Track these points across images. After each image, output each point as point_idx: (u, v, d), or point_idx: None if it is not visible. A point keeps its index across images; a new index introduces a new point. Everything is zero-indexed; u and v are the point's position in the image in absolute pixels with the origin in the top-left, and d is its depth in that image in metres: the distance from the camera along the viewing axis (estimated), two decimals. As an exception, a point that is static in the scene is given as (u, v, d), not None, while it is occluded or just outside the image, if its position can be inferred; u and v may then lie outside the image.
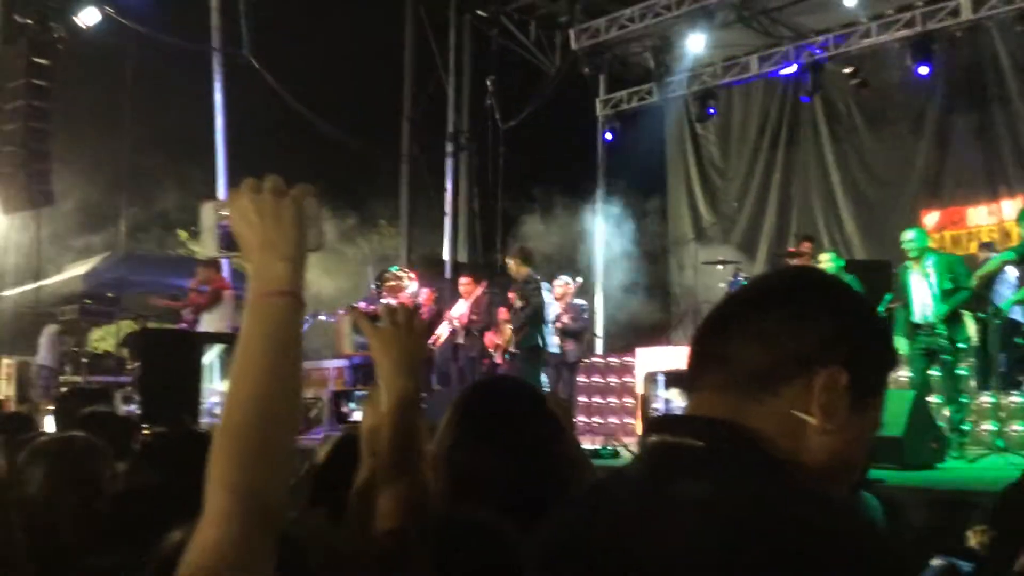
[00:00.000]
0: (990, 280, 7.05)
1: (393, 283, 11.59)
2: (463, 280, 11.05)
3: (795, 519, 0.91)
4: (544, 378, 9.37)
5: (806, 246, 10.16)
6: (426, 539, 1.47)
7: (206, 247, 1.27)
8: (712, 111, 14.20)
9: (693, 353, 1.12)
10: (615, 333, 14.74)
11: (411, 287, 11.26)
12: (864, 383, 1.04)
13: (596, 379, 12.10)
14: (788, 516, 0.92)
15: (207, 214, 1.26)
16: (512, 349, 9.53)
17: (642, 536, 0.97)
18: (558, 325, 9.75)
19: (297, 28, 14.68)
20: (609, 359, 12.34)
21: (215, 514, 1.06)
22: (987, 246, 10.11)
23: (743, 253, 13.96)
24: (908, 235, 7.45)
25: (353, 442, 1.75)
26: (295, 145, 15.70)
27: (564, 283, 10.06)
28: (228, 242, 1.24)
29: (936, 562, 2.65)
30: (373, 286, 12.10)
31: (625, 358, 11.83)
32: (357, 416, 1.87)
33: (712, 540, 0.91)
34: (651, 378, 6.77)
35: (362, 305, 12.43)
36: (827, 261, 8.44)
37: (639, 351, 11.06)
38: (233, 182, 12.91)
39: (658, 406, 6.90)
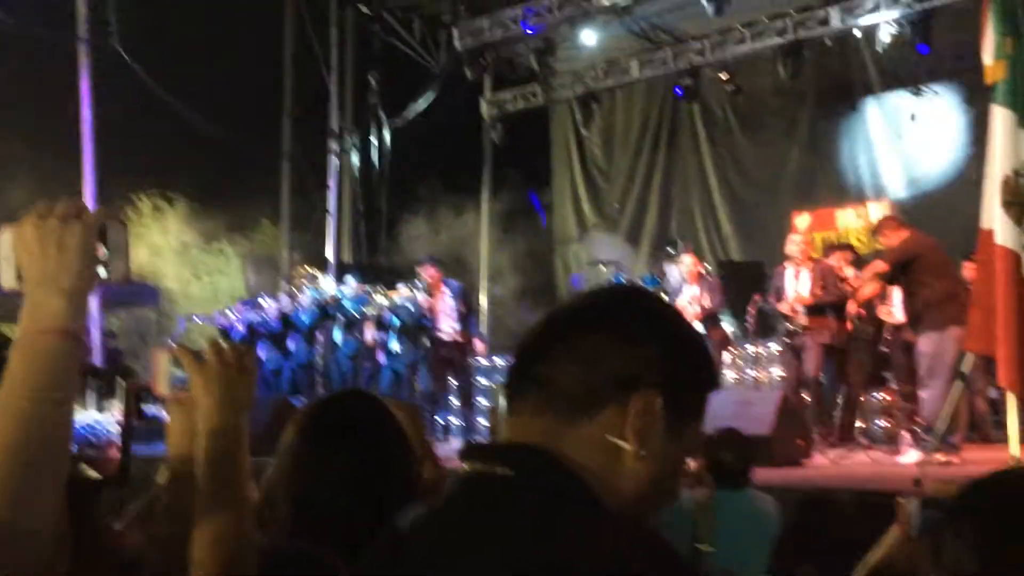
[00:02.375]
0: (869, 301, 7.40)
1: (306, 280, 11.39)
2: (350, 279, 11.03)
3: (590, 555, 0.88)
4: None
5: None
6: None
7: (4, 278, 1.15)
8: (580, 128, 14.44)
9: (511, 374, 1.07)
10: (503, 334, 14.76)
11: (327, 283, 11.07)
12: (680, 408, 1.02)
13: (482, 380, 12.06)
14: (584, 552, 0.88)
15: (4, 242, 1.15)
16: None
17: (443, 573, 0.93)
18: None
19: (170, 18, 14.11)
20: (495, 360, 12.31)
21: None
22: (847, 247, 10.52)
23: (625, 253, 14.19)
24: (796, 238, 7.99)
25: None
26: (169, 141, 15.14)
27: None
28: None
29: None
30: (283, 281, 11.84)
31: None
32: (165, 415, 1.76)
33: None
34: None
35: (239, 307, 12.09)
36: (688, 264, 8.67)
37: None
38: (101, 178, 12.34)
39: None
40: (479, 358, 10.70)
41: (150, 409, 1.75)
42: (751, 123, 14.02)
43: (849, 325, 7.76)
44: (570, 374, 1.00)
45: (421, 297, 9.28)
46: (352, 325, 10.71)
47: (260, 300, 11.81)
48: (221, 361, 1.49)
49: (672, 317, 1.08)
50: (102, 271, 1.16)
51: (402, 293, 10.32)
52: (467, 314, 9.36)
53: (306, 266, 12.83)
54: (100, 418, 1.74)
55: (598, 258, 12.38)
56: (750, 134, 14.09)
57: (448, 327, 9.22)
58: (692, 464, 3.72)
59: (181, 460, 1.57)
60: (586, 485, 0.97)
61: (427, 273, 9.24)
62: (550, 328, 1.06)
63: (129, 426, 1.74)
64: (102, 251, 1.15)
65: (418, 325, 9.50)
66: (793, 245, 7.76)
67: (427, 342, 9.62)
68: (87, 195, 11.63)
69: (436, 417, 9.81)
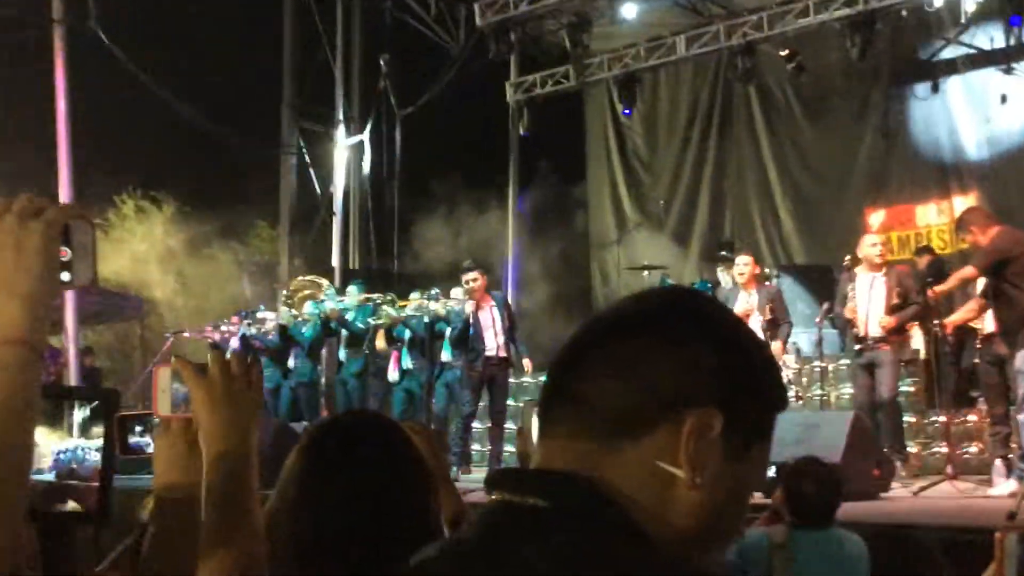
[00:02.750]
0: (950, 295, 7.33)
1: (308, 292, 11.37)
2: (351, 288, 11.07)
3: None
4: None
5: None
6: None
7: None
8: (628, 112, 14.39)
9: (545, 390, 1.07)
10: (533, 350, 14.75)
11: (330, 295, 11.06)
12: (743, 428, 1.00)
13: (510, 403, 12.09)
14: None
15: None
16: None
17: None
18: None
19: (155, -2, 14.34)
20: (523, 381, 12.32)
21: None
22: (926, 250, 10.45)
23: (672, 256, 14.14)
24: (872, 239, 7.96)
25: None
26: (155, 135, 15.31)
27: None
28: None
29: None
30: (283, 295, 11.87)
31: (542, 379, 11.86)
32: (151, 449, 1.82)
33: None
34: (534, 408, 6.67)
35: (234, 320, 12.15)
36: (743, 265, 8.60)
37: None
38: (78, 176, 12.50)
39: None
40: (526, 378, 10.76)
41: (137, 440, 1.77)
42: (816, 106, 13.94)
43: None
44: (610, 389, 0.99)
45: (468, 307, 9.34)
46: (358, 340, 10.74)
47: (256, 312, 11.88)
48: (225, 374, 1.51)
49: (730, 321, 1.06)
50: (65, 275, 1.17)
51: (414, 303, 10.35)
52: (511, 328, 9.44)
53: (308, 275, 12.89)
54: (85, 444, 1.75)
55: (640, 262, 12.34)
56: (815, 119, 14.00)
57: (492, 342, 9.27)
58: (769, 497, 3.69)
59: (169, 490, 1.61)
60: (632, 518, 0.96)
61: (472, 280, 9.28)
62: (587, 336, 1.05)
63: (111, 456, 1.77)
64: (65, 253, 1.16)
65: (460, 337, 9.53)
66: (869, 247, 7.67)
67: (455, 357, 9.69)
68: (63, 196, 11.76)
69: (468, 443, 9.86)
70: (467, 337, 9.38)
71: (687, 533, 0.98)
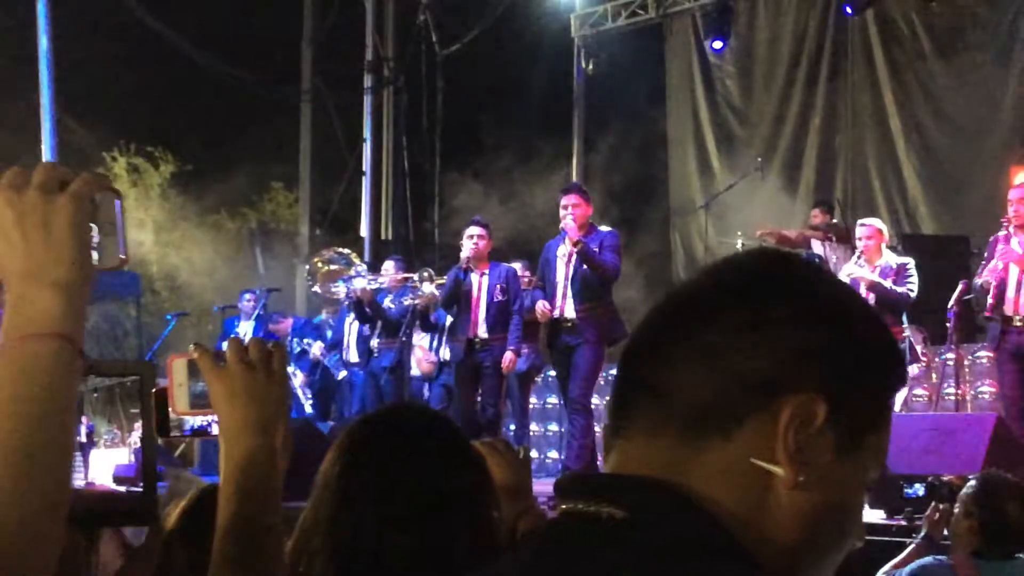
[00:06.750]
0: None
1: (335, 268, 11.32)
2: (388, 265, 11.10)
3: None
4: None
5: (816, 215, 11.04)
6: None
7: None
8: (719, 47, 14.28)
9: (617, 382, 1.09)
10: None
11: (360, 272, 11.00)
12: (854, 414, 1.00)
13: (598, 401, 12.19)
14: None
15: None
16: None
17: None
18: None
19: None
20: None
21: None
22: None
23: (772, 224, 14.04)
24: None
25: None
26: (152, 79, 15.50)
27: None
28: None
29: None
30: (307, 277, 11.93)
31: (614, 372, 11.89)
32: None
33: None
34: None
35: (251, 299, 12.27)
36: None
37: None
38: (62, 128, 12.71)
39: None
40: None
41: (188, 422, 1.82)
42: (950, 41, 13.73)
43: None
44: (694, 378, 1.00)
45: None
46: (393, 327, 10.77)
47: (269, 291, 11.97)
48: (243, 362, 1.56)
49: (829, 288, 1.07)
50: (93, 255, 1.23)
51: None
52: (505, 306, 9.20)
53: (333, 246, 13.00)
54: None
55: (733, 232, 12.29)
56: (949, 57, 13.80)
57: (474, 322, 9.02)
58: (961, 523, 3.75)
59: None
60: (725, 528, 0.97)
61: (469, 237, 9.08)
62: (663, 318, 1.06)
63: (151, 446, 1.83)
64: (91, 231, 1.23)
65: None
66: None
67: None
68: (45, 151, 11.99)
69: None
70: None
71: (790, 544, 0.99)
